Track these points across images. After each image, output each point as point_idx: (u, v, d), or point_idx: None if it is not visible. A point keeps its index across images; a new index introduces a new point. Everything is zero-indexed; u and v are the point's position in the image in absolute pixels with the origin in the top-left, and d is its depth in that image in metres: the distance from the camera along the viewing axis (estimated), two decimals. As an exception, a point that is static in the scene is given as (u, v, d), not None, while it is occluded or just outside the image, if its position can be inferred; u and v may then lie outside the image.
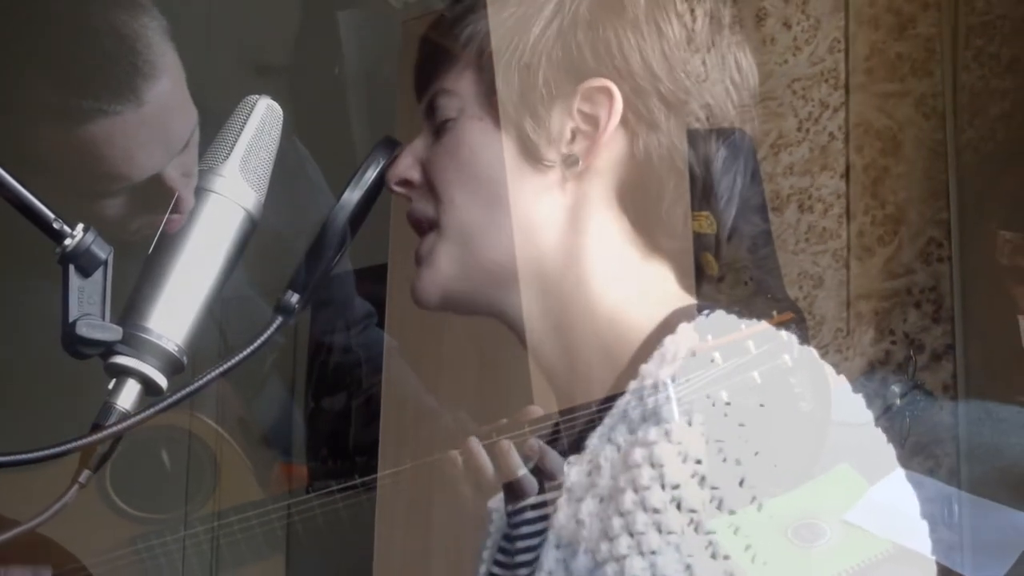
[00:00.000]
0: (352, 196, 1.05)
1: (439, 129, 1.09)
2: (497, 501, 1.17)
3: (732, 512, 0.94)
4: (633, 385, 1.03)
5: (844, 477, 0.96)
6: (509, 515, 1.13)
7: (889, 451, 1.03)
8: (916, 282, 2.54)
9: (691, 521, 0.94)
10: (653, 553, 0.94)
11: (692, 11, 1.09)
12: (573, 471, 1.04)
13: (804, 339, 1.03)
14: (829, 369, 1.07)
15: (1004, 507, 0.92)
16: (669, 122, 1.07)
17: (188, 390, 0.92)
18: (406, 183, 1.11)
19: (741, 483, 0.95)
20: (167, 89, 1.22)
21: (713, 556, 0.94)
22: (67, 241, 0.90)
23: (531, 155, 1.07)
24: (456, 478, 1.31)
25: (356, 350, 1.91)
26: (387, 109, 1.04)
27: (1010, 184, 2.44)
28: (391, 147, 1.09)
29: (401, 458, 1.84)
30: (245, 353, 0.95)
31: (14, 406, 1.57)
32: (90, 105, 1.18)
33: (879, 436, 1.04)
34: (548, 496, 1.06)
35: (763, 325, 1.03)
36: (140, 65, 1.20)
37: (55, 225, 0.90)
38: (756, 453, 0.95)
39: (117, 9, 1.22)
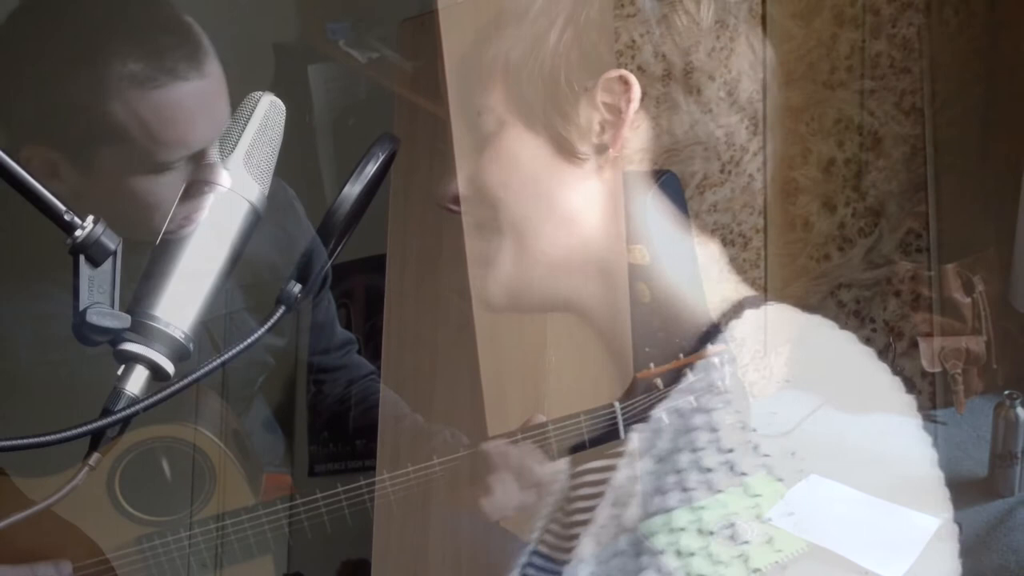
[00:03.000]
0: (352, 190, 1.04)
1: (481, 144, 1.15)
2: (564, 463, 1.23)
3: (779, 480, 0.97)
4: (700, 363, 1.07)
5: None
6: (572, 477, 1.18)
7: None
8: (896, 272, 2.55)
9: (740, 483, 0.97)
10: (701, 508, 0.97)
11: (698, 1, 1.12)
12: (636, 437, 1.08)
13: (734, 366, 1.10)
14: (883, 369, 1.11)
15: (902, 507, 0.97)
16: (689, 102, 1.11)
17: (194, 376, 0.92)
18: (459, 199, 1.17)
19: (792, 454, 0.98)
20: (218, 71, 1.43)
21: (757, 517, 0.97)
22: (78, 232, 0.90)
23: (565, 150, 1.11)
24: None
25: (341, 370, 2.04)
26: (354, 153, 1.06)
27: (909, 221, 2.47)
28: (390, 142, 1.09)
29: (400, 444, 1.85)
30: (250, 341, 0.95)
31: (23, 406, 1.60)
32: (167, 70, 1.39)
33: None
34: (610, 462, 1.09)
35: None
36: (199, 44, 1.42)
37: (66, 217, 0.90)
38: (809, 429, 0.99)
39: (170, 7, 1.46)
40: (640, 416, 1.17)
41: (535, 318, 1.46)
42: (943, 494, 1.06)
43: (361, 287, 2.41)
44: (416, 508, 1.66)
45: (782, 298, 1.15)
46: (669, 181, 1.13)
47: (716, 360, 1.07)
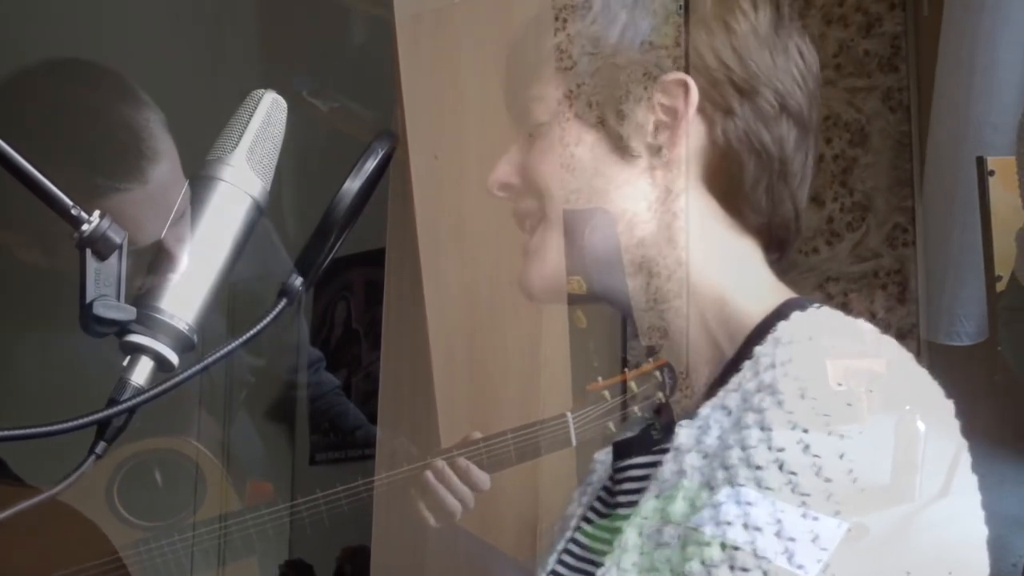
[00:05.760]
0: (352, 185, 1.04)
1: (532, 133, 1.15)
2: (604, 453, 1.22)
3: (828, 480, 0.97)
4: (748, 364, 1.06)
5: None
6: (615, 471, 1.17)
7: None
8: (882, 265, 2.56)
9: (789, 482, 0.97)
10: (749, 504, 0.97)
11: (755, 6, 1.13)
12: (683, 432, 1.07)
13: (674, 378, 1.13)
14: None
15: (810, 511, 0.98)
16: (743, 108, 1.11)
17: (198, 367, 0.92)
18: (506, 187, 1.17)
19: (841, 456, 0.98)
20: (167, 170, 1.43)
21: (804, 515, 0.96)
22: (84, 227, 0.90)
23: (619, 148, 1.12)
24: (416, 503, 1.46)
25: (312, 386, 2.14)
26: (318, 196, 1.07)
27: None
28: (389, 138, 1.09)
29: (398, 435, 1.85)
30: (252, 332, 0.95)
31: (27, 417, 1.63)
32: (105, 183, 1.38)
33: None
34: (655, 458, 1.09)
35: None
36: (144, 151, 1.41)
37: (73, 211, 0.90)
38: (860, 432, 0.99)
39: (125, 105, 1.43)
40: (589, 425, 1.20)
41: (532, 311, 1.47)
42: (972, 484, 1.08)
43: (361, 280, 2.42)
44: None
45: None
46: (603, 218, 1.14)
47: (657, 373, 1.10)
